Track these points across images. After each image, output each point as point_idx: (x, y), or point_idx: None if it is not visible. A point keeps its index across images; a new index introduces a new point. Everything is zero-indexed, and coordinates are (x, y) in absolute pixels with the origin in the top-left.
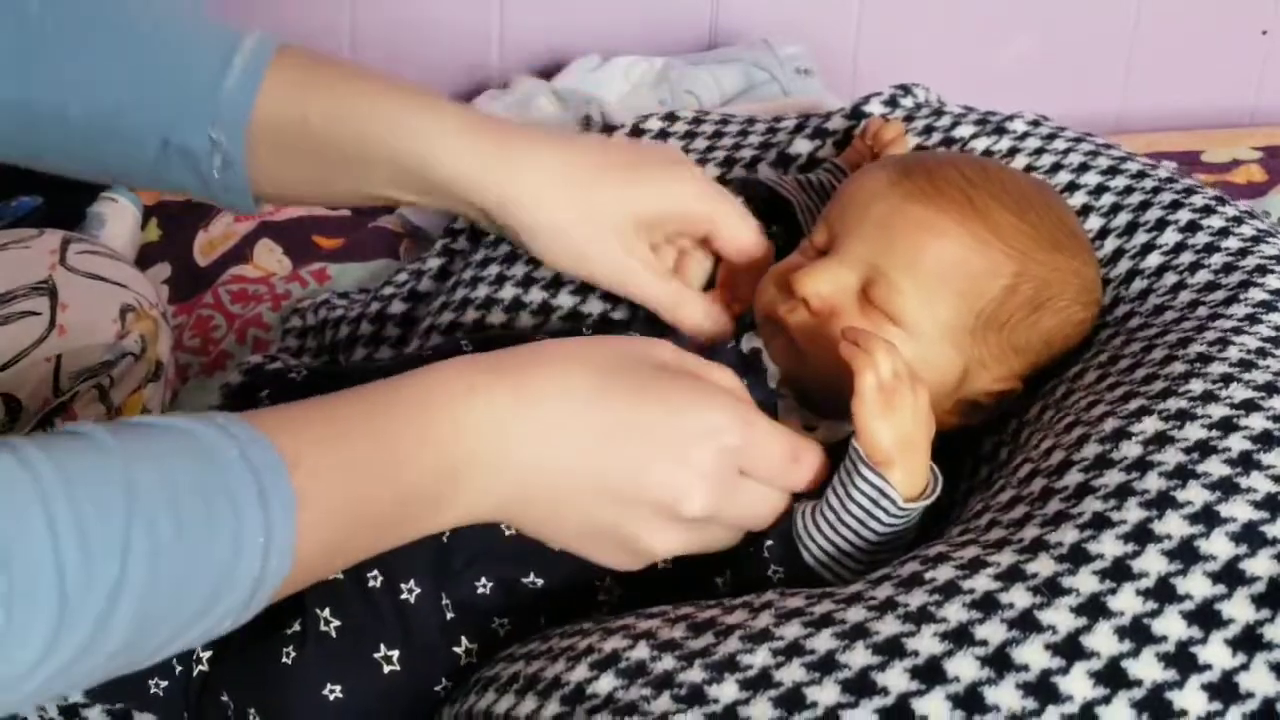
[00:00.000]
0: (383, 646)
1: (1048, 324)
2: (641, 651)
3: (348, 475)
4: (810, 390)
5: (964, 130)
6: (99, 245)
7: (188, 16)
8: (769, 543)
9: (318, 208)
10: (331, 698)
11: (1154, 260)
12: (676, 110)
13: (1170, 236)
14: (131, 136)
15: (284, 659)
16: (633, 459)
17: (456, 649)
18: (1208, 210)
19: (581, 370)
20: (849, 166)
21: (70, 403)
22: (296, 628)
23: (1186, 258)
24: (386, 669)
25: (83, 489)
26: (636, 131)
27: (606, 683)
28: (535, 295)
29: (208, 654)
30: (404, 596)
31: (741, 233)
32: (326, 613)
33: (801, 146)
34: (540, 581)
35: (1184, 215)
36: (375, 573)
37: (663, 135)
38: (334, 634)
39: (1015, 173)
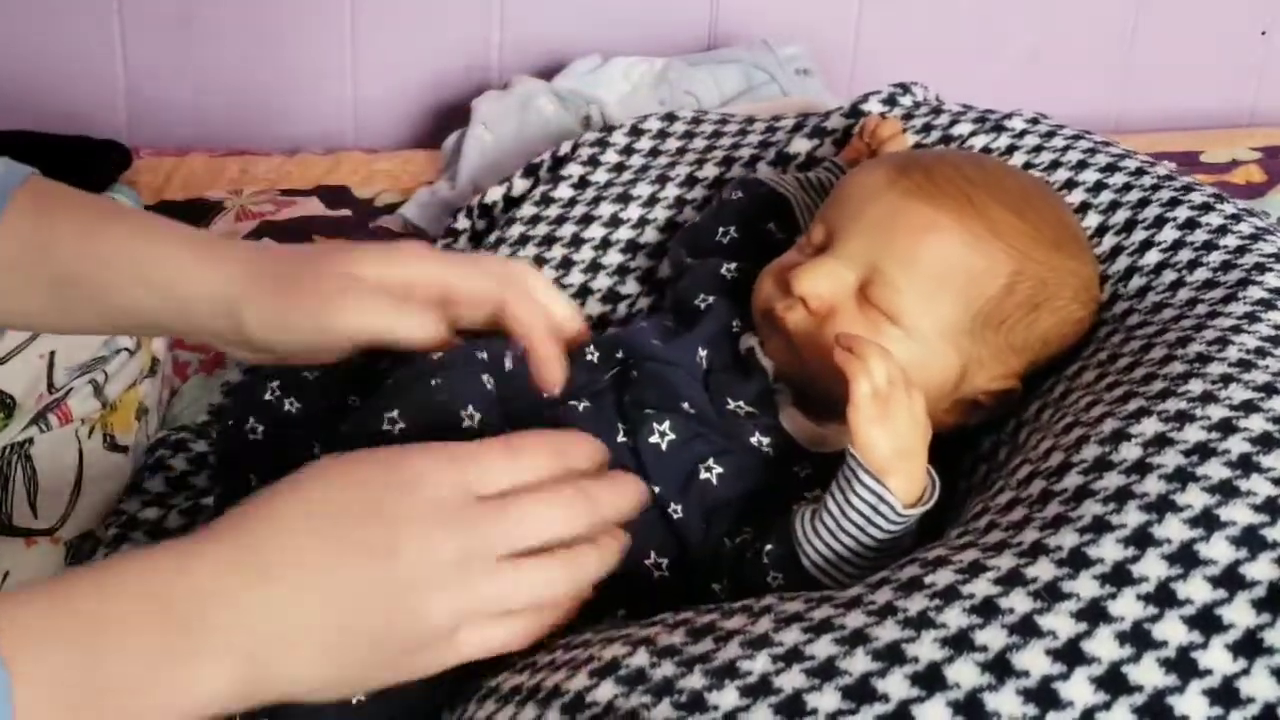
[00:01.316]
0: None
1: (1046, 323)
2: (641, 658)
3: (68, 664)
4: (807, 388)
5: (962, 128)
6: None
7: None
8: (769, 547)
9: (318, 209)
10: (354, 700)
11: (1152, 257)
12: (675, 110)
13: (1169, 234)
14: None
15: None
16: (364, 557)
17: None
18: (1206, 208)
19: (291, 499)
20: (847, 164)
21: (64, 399)
22: None
23: (1185, 255)
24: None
25: None
26: (635, 131)
27: (606, 690)
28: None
29: None
30: None
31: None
32: None
33: (800, 145)
34: None
35: (1182, 213)
36: None
37: (662, 135)
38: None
39: (1014, 170)
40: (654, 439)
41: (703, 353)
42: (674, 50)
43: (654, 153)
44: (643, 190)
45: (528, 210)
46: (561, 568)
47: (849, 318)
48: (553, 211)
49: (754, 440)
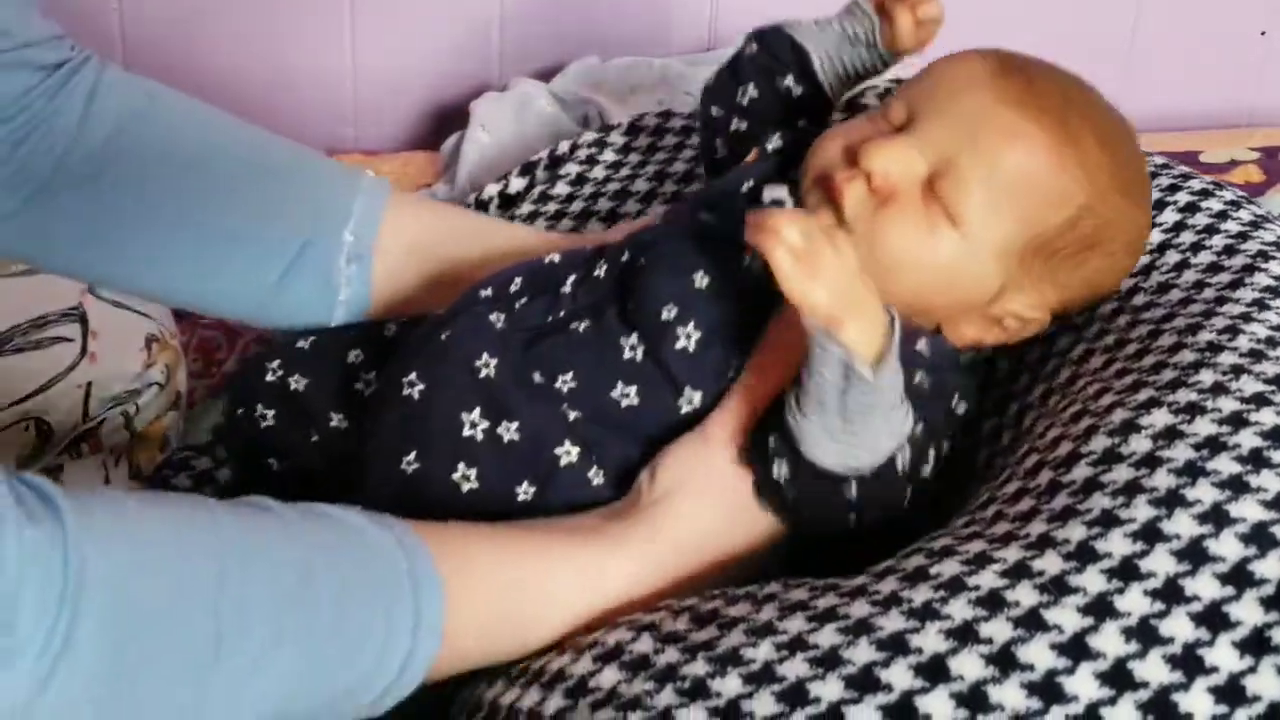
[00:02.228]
0: None
1: (1093, 265)
2: (645, 644)
3: (496, 609)
4: None
5: None
6: None
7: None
8: (771, 442)
9: None
10: None
11: (1155, 237)
12: (673, 109)
13: (1169, 216)
14: (271, 245)
15: None
16: None
17: None
18: (1205, 194)
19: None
20: (875, 9)
21: (97, 429)
22: None
23: (1187, 237)
24: None
25: (260, 562)
26: (633, 129)
27: (610, 676)
28: None
29: None
30: None
31: None
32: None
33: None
34: None
35: (1182, 197)
36: None
37: (659, 132)
38: None
39: (1109, 105)
40: (680, 344)
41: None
42: (674, 50)
43: (652, 149)
44: (640, 187)
45: (526, 209)
46: None
47: (910, 207)
48: (551, 208)
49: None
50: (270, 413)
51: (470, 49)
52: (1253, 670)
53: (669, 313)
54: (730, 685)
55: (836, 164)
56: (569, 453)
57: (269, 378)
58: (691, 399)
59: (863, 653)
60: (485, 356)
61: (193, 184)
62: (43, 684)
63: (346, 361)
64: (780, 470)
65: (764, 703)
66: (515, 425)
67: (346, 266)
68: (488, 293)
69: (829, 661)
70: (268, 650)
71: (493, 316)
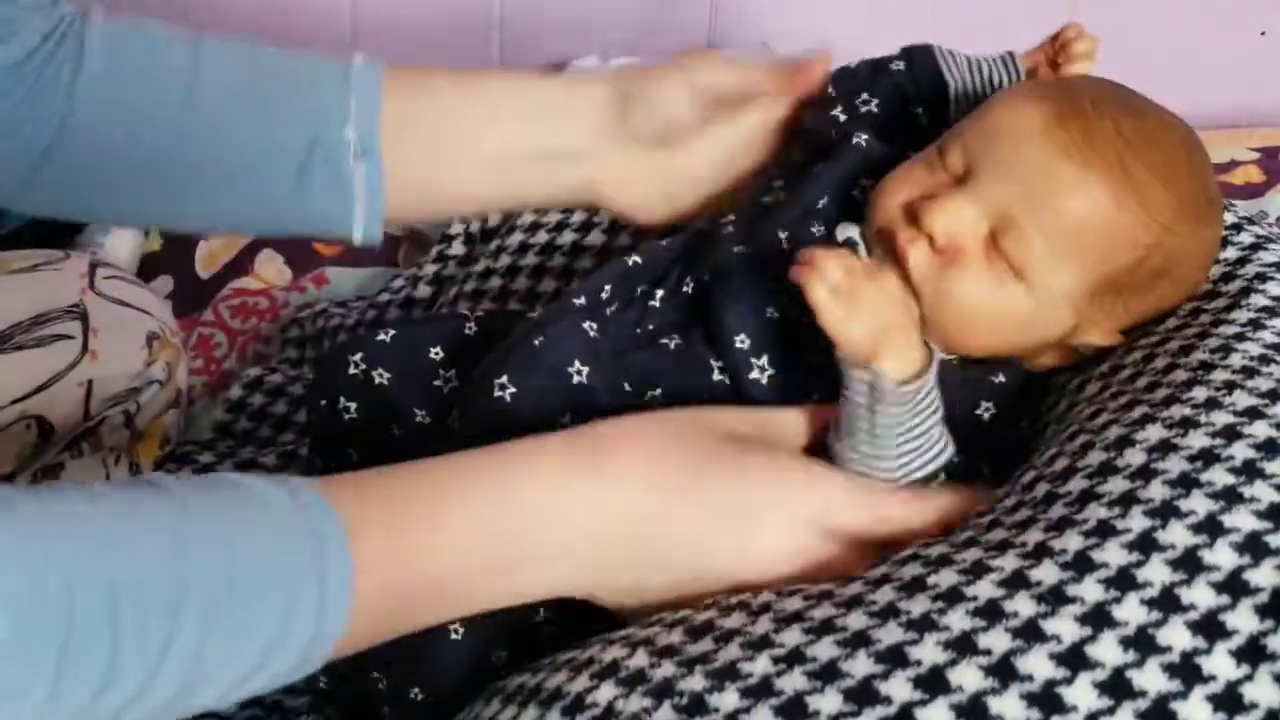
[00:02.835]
0: (541, 610)
1: (1165, 290)
2: (640, 659)
3: (404, 548)
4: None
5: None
6: (123, 271)
7: (291, 52)
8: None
9: None
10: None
11: None
12: None
13: None
14: (282, 144)
15: (453, 635)
16: (698, 535)
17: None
18: None
19: (656, 442)
20: (1026, 71)
21: (98, 427)
22: None
23: None
24: (546, 630)
25: (146, 545)
26: None
27: (606, 692)
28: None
29: None
30: None
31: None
32: None
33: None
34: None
35: None
36: None
37: None
38: None
39: (1167, 125)
40: (754, 375)
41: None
42: (674, 50)
43: None
44: None
45: (527, 217)
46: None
47: (975, 265)
48: (552, 218)
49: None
50: (353, 405)
51: (470, 49)
52: (1250, 678)
53: (742, 343)
54: (728, 700)
55: (898, 220)
56: None
57: (351, 370)
58: None
59: (861, 665)
60: (578, 364)
61: (194, 113)
62: None
63: (428, 356)
64: None
65: (762, 717)
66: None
67: (355, 164)
68: (580, 301)
69: (827, 675)
70: (171, 633)
71: (586, 324)
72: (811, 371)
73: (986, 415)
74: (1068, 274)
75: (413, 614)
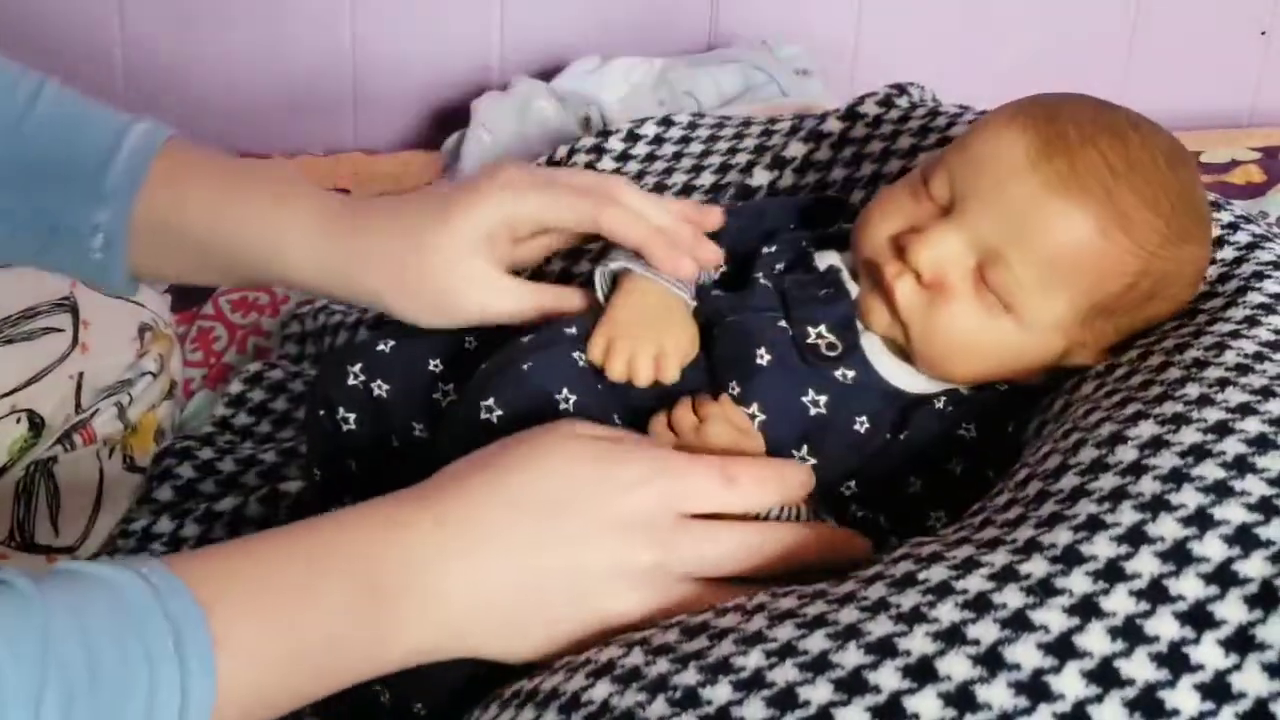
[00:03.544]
0: None
1: (1154, 309)
2: (635, 657)
3: (269, 624)
4: (903, 348)
5: (960, 130)
6: None
7: (77, 105)
8: None
9: None
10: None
11: None
12: (671, 115)
13: None
14: (21, 223)
15: None
16: (564, 547)
17: None
18: None
19: (499, 480)
20: None
21: (90, 419)
22: None
23: None
24: None
25: (1, 643)
26: (631, 136)
27: (602, 689)
28: None
29: None
30: None
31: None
32: None
33: (796, 149)
34: None
35: None
36: None
37: (658, 140)
38: None
39: (1150, 144)
40: (748, 413)
41: (779, 267)
42: (674, 51)
43: (650, 158)
44: None
45: None
46: (733, 592)
47: (963, 298)
48: None
49: (841, 379)
50: (352, 416)
51: (470, 49)
52: (1238, 668)
53: (734, 390)
54: (720, 693)
55: (884, 253)
56: None
57: (351, 381)
58: None
59: (851, 656)
60: (565, 390)
61: None
62: None
63: (428, 369)
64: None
65: (754, 708)
66: None
67: (98, 246)
68: (573, 331)
69: (818, 666)
70: None
71: (575, 354)
72: (796, 418)
73: (969, 435)
74: (1057, 304)
75: (287, 689)
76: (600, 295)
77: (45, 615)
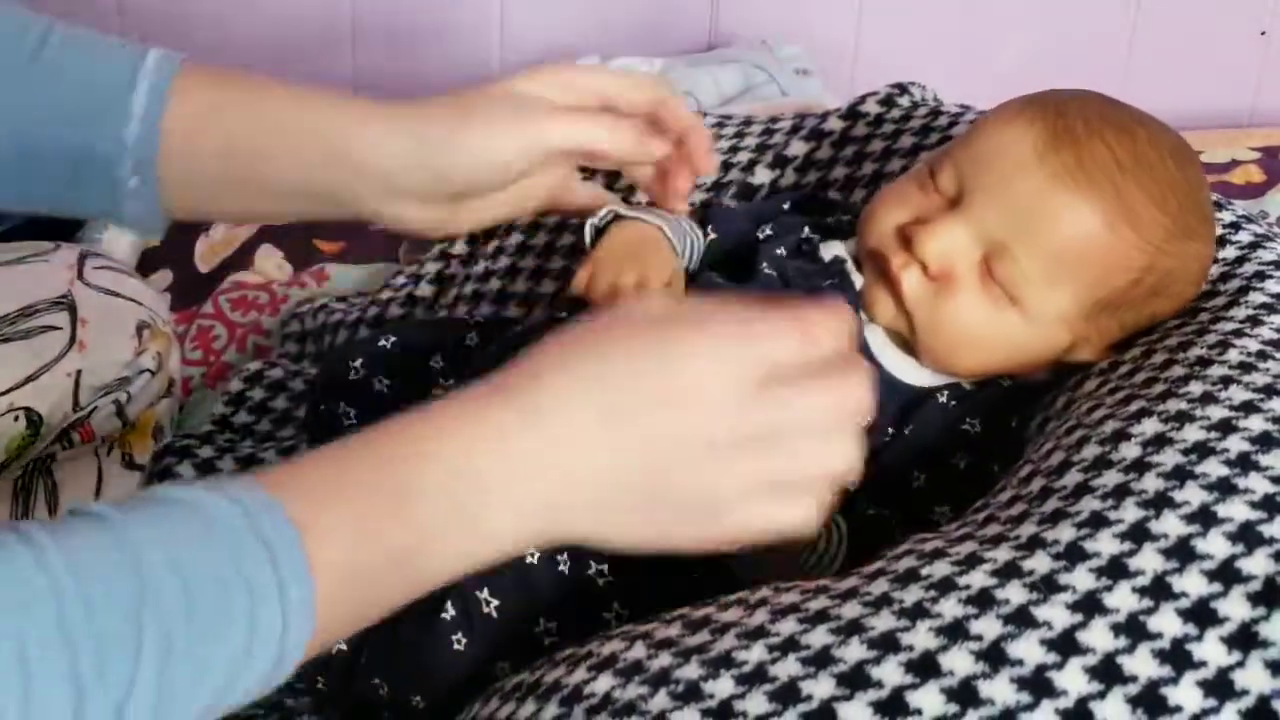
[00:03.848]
0: (541, 621)
1: (1159, 306)
2: (638, 651)
3: (364, 533)
4: (908, 340)
5: (961, 129)
6: (114, 261)
7: (89, 38)
8: None
9: None
10: (502, 676)
11: None
12: None
13: None
14: (50, 154)
15: (455, 645)
16: (647, 420)
17: (606, 614)
18: None
19: (577, 362)
20: None
21: (88, 418)
22: (452, 612)
23: None
24: (547, 641)
25: (96, 582)
26: None
27: (604, 682)
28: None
29: None
30: (560, 569)
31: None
32: (485, 593)
33: (797, 148)
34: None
35: None
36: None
37: None
38: (495, 614)
39: (1158, 142)
40: None
41: (779, 251)
42: (674, 50)
43: None
44: (642, 198)
45: (526, 218)
46: (839, 450)
47: (969, 290)
48: (551, 220)
49: None
50: (353, 411)
51: (470, 47)
52: (1240, 665)
53: None
54: (723, 687)
55: (890, 244)
56: None
57: (352, 376)
58: None
59: (854, 651)
60: None
61: None
62: None
63: (429, 365)
64: None
65: (756, 702)
66: None
67: (130, 177)
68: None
69: (821, 660)
70: (137, 670)
71: None
72: None
73: (973, 430)
74: (1062, 298)
75: (384, 594)
76: (589, 245)
77: (137, 551)
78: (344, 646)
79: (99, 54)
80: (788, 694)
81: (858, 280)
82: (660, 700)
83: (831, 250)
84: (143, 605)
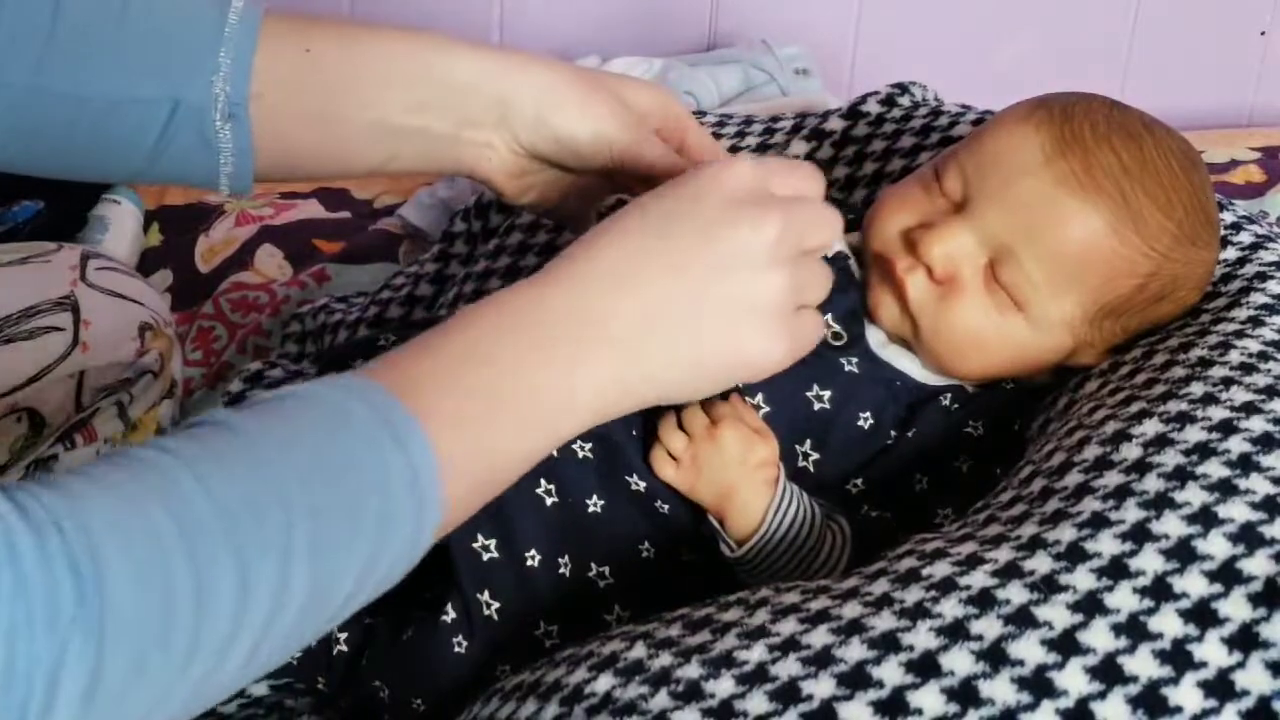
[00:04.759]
0: (542, 623)
1: (1162, 311)
2: (639, 651)
3: (474, 406)
4: (909, 344)
5: (962, 129)
6: (116, 262)
7: None
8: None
9: (317, 211)
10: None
11: None
12: None
13: None
14: (143, 108)
15: (456, 648)
16: (695, 236)
17: (607, 616)
18: None
19: (640, 220)
20: None
21: (91, 419)
22: (453, 614)
23: None
24: (548, 643)
25: (240, 477)
26: None
27: (605, 682)
28: None
29: (344, 635)
30: (561, 571)
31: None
32: (486, 596)
33: (798, 148)
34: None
35: None
36: (533, 551)
37: None
38: (496, 616)
39: (1164, 147)
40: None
41: None
42: (674, 50)
43: None
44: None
45: (527, 217)
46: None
47: (974, 295)
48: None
49: (846, 369)
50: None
51: None
52: (1241, 665)
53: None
54: (724, 686)
55: (895, 247)
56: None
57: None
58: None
59: (855, 651)
60: None
61: (54, 42)
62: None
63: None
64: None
65: (757, 702)
66: (590, 445)
67: (223, 126)
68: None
69: (821, 660)
70: (290, 560)
71: None
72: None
73: (976, 432)
74: (1067, 303)
75: (500, 450)
76: None
77: (274, 445)
78: (344, 647)
79: (181, 7)
80: (788, 694)
81: (859, 275)
82: (661, 700)
83: (836, 246)
84: (286, 486)
